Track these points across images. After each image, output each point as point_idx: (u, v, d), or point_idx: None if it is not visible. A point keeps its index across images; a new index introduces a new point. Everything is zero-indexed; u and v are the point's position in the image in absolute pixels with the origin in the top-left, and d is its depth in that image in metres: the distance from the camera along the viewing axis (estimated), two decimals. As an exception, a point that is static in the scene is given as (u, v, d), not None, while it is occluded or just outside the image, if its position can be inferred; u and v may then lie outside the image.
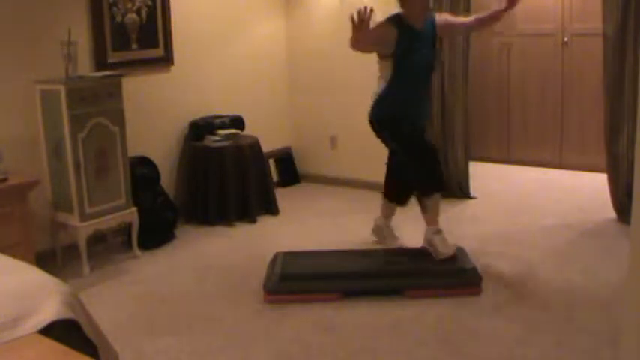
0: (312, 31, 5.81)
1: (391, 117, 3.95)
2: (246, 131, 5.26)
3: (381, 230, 4.37)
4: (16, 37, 4.02)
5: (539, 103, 6.18)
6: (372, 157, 5.66)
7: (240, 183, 4.96)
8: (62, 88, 3.87)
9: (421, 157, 3.94)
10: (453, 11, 5.09)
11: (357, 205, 5.33)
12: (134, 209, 4.29)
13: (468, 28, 4.26)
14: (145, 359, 3.09)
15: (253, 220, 4.97)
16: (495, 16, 3.99)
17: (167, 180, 4.95)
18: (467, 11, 5.10)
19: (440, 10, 5.13)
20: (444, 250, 3.83)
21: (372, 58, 5.51)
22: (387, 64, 3.87)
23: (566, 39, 5.92)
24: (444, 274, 3.73)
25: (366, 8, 3.51)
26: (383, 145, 5.59)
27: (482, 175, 5.89)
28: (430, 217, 3.95)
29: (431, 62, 3.95)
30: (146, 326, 3.41)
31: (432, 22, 3.91)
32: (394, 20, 3.83)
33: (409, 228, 4.51)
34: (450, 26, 4.04)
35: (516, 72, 6.23)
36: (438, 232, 3.90)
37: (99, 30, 4.43)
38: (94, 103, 4.01)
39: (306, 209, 5.27)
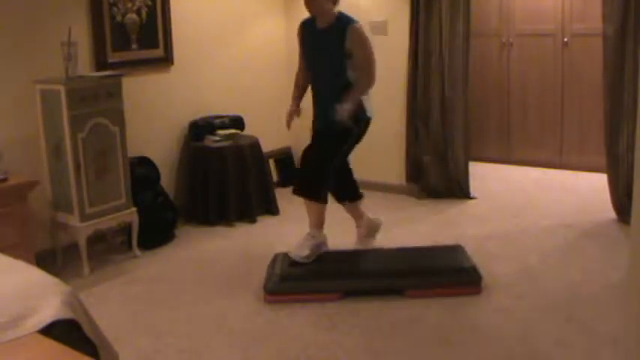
0: (312, 31, 5.81)
1: None
2: (246, 131, 5.26)
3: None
4: (16, 37, 4.02)
5: (539, 103, 6.18)
6: (372, 157, 5.67)
7: (240, 183, 4.96)
8: (62, 88, 3.87)
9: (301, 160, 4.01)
10: (453, 13, 5.11)
11: (357, 205, 5.32)
12: (134, 209, 4.29)
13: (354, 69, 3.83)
14: (145, 359, 3.09)
15: (253, 220, 4.97)
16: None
17: (167, 180, 4.95)
18: (466, 13, 5.11)
19: (439, 12, 5.13)
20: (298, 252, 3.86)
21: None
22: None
23: (566, 39, 5.92)
24: (444, 274, 3.73)
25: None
26: (382, 146, 5.61)
27: (482, 175, 5.89)
28: (311, 220, 3.94)
29: (326, 59, 3.83)
30: (146, 326, 3.41)
31: (344, 29, 3.72)
32: (302, 23, 3.99)
33: (407, 229, 4.51)
34: (357, 52, 3.74)
35: (516, 72, 6.23)
36: (312, 237, 3.90)
37: (99, 30, 4.43)
38: (94, 103, 4.00)
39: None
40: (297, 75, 4.11)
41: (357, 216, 4.21)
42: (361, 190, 4.30)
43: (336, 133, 3.84)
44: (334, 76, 3.80)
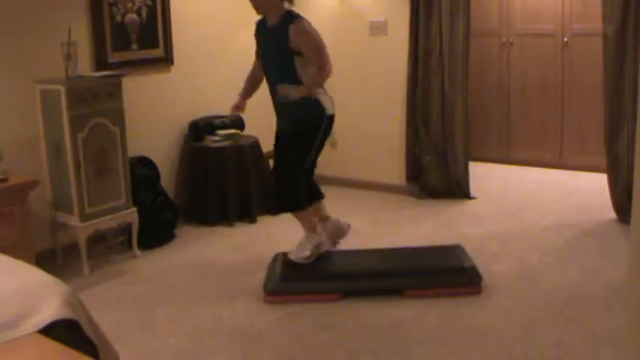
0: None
1: None
2: (246, 131, 5.26)
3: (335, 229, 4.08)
4: (16, 37, 4.02)
5: (539, 103, 6.18)
6: (372, 157, 5.68)
7: (240, 183, 4.96)
8: (62, 88, 3.87)
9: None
10: (453, 13, 5.11)
11: (357, 205, 5.33)
12: (134, 209, 4.29)
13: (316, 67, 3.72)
14: (145, 359, 3.09)
15: (253, 220, 4.97)
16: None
17: (167, 180, 4.95)
18: (466, 12, 5.10)
19: (439, 12, 5.13)
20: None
21: (373, 59, 5.52)
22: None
23: (566, 39, 5.92)
24: (444, 274, 3.73)
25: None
26: (382, 146, 5.61)
27: (482, 175, 5.89)
28: (304, 226, 3.91)
29: (273, 59, 3.75)
30: (146, 326, 3.41)
31: (287, 28, 3.64)
32: (257, 22, 3.89)
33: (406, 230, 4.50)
34: (304, 47, 3.65)
35: (516, 72, 6.23)
36: (310, 237, 3.87)
37: (99, 30, 4.43)
38: (94, 103, 4.00)
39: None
40: (250, 71, 4.10)
41: (321, 218, 4.02)
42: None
43: (298, 132, 3.79)
44: (284, 77, 3.70)
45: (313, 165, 3.97)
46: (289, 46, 3.63)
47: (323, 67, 3.69)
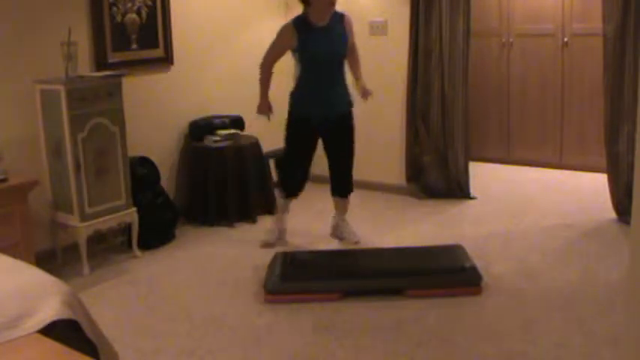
0: (312, 31, 5.81)
1: (291, 110, 4.32)
2: (246, 131, 5.26)
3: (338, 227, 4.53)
4: (16, 37, 4.02)
5: (539, 103, 6.18)
6: (372, 157, 5.67)
7: (240, 183, 4.95)
8: (62, 88, 3.87)
9: (284, 156, 4.44)
10: (453, 13, 5.11)
11: (358, 205, 5.32)
12: (134, 209, 4.29)
13: (349, 51, 4.30)
14: (145, 359, 3.09)
15: (253, 220, 4.97)
16: (354, 75, 4.41)
17: (167, 180, 4.95)
18: (466, 12, 5.11)
19: (439, 12, 5.14)
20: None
21: (373, 59, 5.52)
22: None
23: (566, 39, 5.92)
24: (445, 274, 3.73)
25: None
26: (381, 145, 5.61)
27: (482, 175, 5.89)
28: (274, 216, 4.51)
29: (335, 53, 4.18)
30: (146, 326, 3.41)
31: (341, 19, 4.19)
32: (294, 23, 4.16)
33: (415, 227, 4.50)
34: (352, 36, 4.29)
35: (516, 72, 6.23)
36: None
37: (99, 30, 4.43)
38: (94, 103, 4.01)
39: (306, 209, 5.27)
40: (267, 74, 4.38)
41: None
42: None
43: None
44: (341, 70, 4.25)
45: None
46: (348, 39, 4.20)
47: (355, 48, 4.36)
